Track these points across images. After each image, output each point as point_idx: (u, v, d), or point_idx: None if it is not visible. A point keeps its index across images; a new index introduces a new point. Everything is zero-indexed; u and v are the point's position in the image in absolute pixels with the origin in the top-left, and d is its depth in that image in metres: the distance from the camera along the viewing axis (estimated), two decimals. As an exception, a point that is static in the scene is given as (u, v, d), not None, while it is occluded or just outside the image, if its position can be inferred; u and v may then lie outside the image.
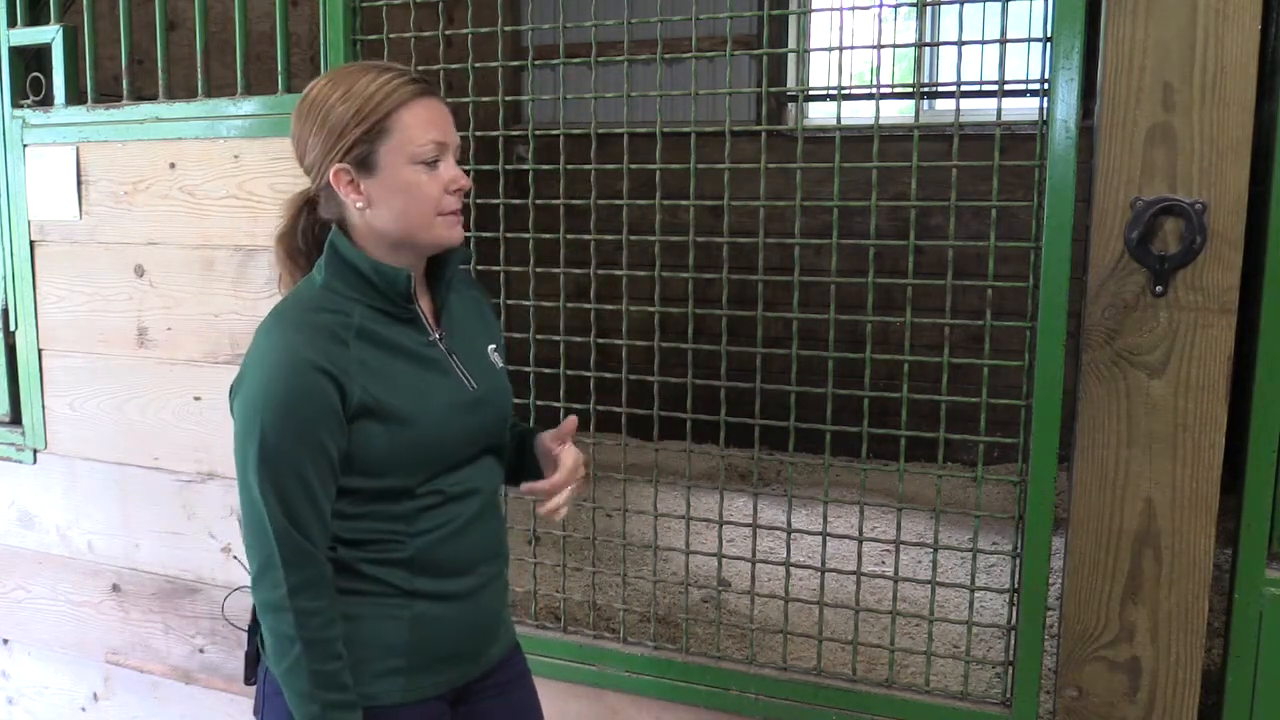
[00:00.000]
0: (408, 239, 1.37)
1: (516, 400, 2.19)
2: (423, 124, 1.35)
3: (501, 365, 1.53)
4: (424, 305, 1.44)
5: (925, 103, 4.72)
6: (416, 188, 1.35)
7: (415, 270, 1.41)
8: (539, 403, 2.17)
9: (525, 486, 1.51)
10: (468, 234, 2.22)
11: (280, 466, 1.29)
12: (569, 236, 2.16)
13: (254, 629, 1.43)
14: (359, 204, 1.37)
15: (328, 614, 1.32)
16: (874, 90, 1.89)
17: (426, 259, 1.44)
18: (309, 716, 1.32)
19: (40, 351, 2.55)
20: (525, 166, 2.16)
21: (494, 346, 1.53)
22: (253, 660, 1.46)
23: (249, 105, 2.25)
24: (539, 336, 2.18)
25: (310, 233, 1.45)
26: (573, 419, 1.54)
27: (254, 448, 1.29)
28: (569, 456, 1.51)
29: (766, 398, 1.99)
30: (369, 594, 1.38)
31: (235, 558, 2.37)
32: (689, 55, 1.98)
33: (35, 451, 2.60)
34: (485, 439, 1.46)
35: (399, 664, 1.39)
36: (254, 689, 1.47)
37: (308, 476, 1.29)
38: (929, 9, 4.06)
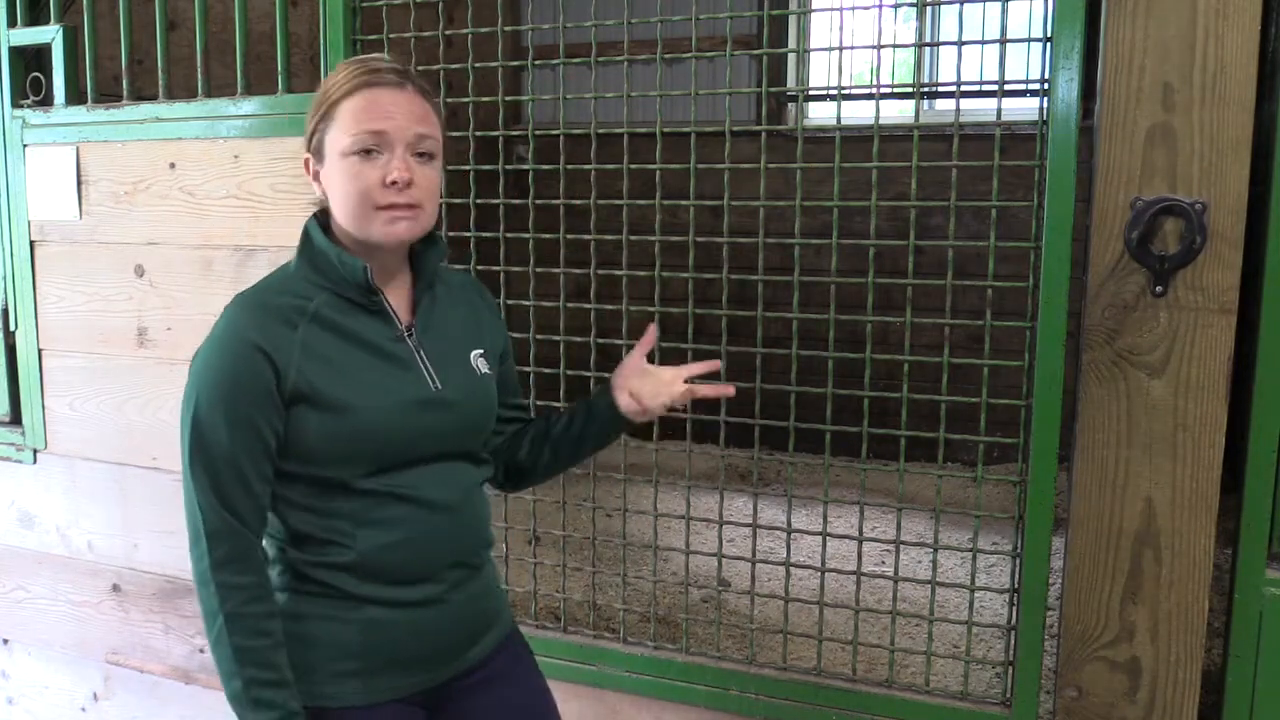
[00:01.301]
0: (358, 233, 1.36)
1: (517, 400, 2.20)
2: (359, 113, 1.33)
3: (486, 372, 1.49)
4: (401, 298, 1.43)
5: (925, 103, 4.72)
6: (348, 178, 1.33)
7: (390, 263, 1.40)
8: (539, 403, 2.17)
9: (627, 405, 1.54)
10: (467, 234, 2.23)
11: (209, 441, 1.30)
12: (569, 236, 2.16)
13: None
14: (320, 192, 1.40)
15: (254, 590, 1.31)
16: (874, 90, 1.89)
17: (410, 254, 1.44)
18: (232, 692, 1.31)
19: (40, 351, 2.55)
20: (525, 166, 2.16)
21: (481, 352, 1.49)
22: None
23: (249, 105, 2.25)
24: (539, 336, 2.18)
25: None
26: (653, 329, 1.58)
27: (189, 421, 1.31)
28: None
29: (766, 398, 1.99)
30: (317, 595, 1.37)
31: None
32: (689, 55, 1.97)
33: (35, 451, 2.60)
34: (444, 442, 1.42)
35: (354, 666, 1.38)
36: None
37: (236, 453, 1.30)
38: (929, 9, 4.06)
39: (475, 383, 1.46)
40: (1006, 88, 1.79)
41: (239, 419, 1.29)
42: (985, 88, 3.95)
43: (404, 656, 1.41)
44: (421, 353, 1.41)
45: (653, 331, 1.59)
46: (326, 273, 1.37)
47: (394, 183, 1.32)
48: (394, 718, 1.41)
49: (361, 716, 1.38)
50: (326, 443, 1.32)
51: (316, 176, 1.39)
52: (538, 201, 2.16)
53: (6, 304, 2.57)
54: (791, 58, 4.55)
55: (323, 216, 1.42)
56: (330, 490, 1.35)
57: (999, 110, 1.80)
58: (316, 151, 1.38)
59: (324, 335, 1.34)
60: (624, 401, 1.54)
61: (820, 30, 4.77)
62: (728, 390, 1.60)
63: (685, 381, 1.56)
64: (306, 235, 1.40)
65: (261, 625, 1.31)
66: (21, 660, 2.74)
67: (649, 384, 1.55)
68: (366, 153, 1.33)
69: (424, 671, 1.43)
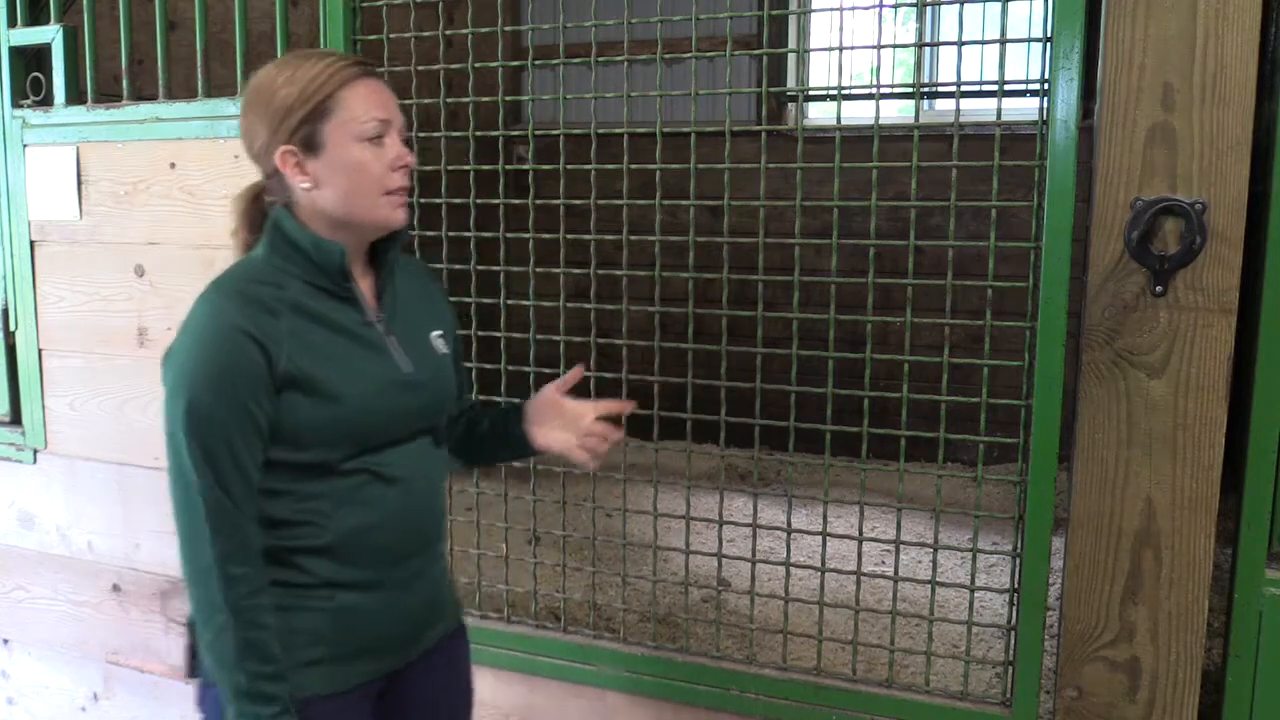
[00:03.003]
0: (352, 219, 1.39)
1: (518, 400, 2.20)
2: (366, 101, 1.37)
3: (446, 352, 1.54)
4: (364, 286, 1.45)
5: (925, 103, 4.72)
6: (361, 165, 1.36)
7: (356, 251, 1.43)
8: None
9: (541, 442, 1.58)
10: (467, 234, 2.23)
11: (208, 431, 1.30)
12: (569, 236, 2.16)
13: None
14: (305, 185, 1.38)
15: (255, 581, 1.32)
16: (874, 90, 1.89)
17: (370, 242, 1.45)
18: (234, 686, 1.30)
19: (40, 351, 2.55)
20: (525, 166, 2.16)
21: (440, 333, 1.53)
22: (194, 651, 1.43)
23: (249, 105, 2.24)
24: (539, 336, 2.18)
25: (260, 222, 1.45)
26: (579, 369, 1.61)
27: (181, 413, 1.31)
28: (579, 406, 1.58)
29: (766, 398, 1.99)
30: (290, 584, 1.37)
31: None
32: (689, 55, 1.97)
33: (35, 451, 2.60)
34: (419, 421, 1.46)
35: (321, 654, 1.38)
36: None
37: (234, 441, 1.30)
38: (929, 9, 4.06)
39: (439, 362, 1.51)
40: (1006, 88, 1.79)
41: (236, 406, 1.30)
42: (985, 88, 3.96)
43: (370, 643, 1.42)
44: (392, 337, 1.44)
45: (577, 371, 1.61)
46: (297, 261, 1.38)
47: (404, 166, 1.39)
48: (356, 704, 1.42)
49: (325, 705, 1.38)
50: (318, 428, 1.34)
51: (302, 170, 1.38)
52: (538, 201, 2.16)
53: (6, 304, 2.57)
54: (791, 58, 4.54)
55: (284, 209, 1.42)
56: (311, 474, 1.36)
57: (999, 110, 1.80)
58: (307, 144, 1.37)
59: (305, 322, 1.35)
60: (542, 440, 1.60)
61: (820, 30, 4.77)
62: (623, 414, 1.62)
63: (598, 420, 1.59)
64: (276, 225, 1.40)
65: (264, 618, 1.32)
66: (21, 660, 2.74)
67: (562, 424, 1.59)
68: (375, 139, 1.37)
69: (392, 654, 1.46)
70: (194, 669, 1.43)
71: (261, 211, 1.45)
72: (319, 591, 1.38)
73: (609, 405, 1.60)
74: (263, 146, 1.39)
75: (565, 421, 1.59)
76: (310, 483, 1.37)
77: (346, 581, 1.39)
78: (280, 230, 1.40)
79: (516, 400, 1.67)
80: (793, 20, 4.63)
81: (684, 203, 2.06)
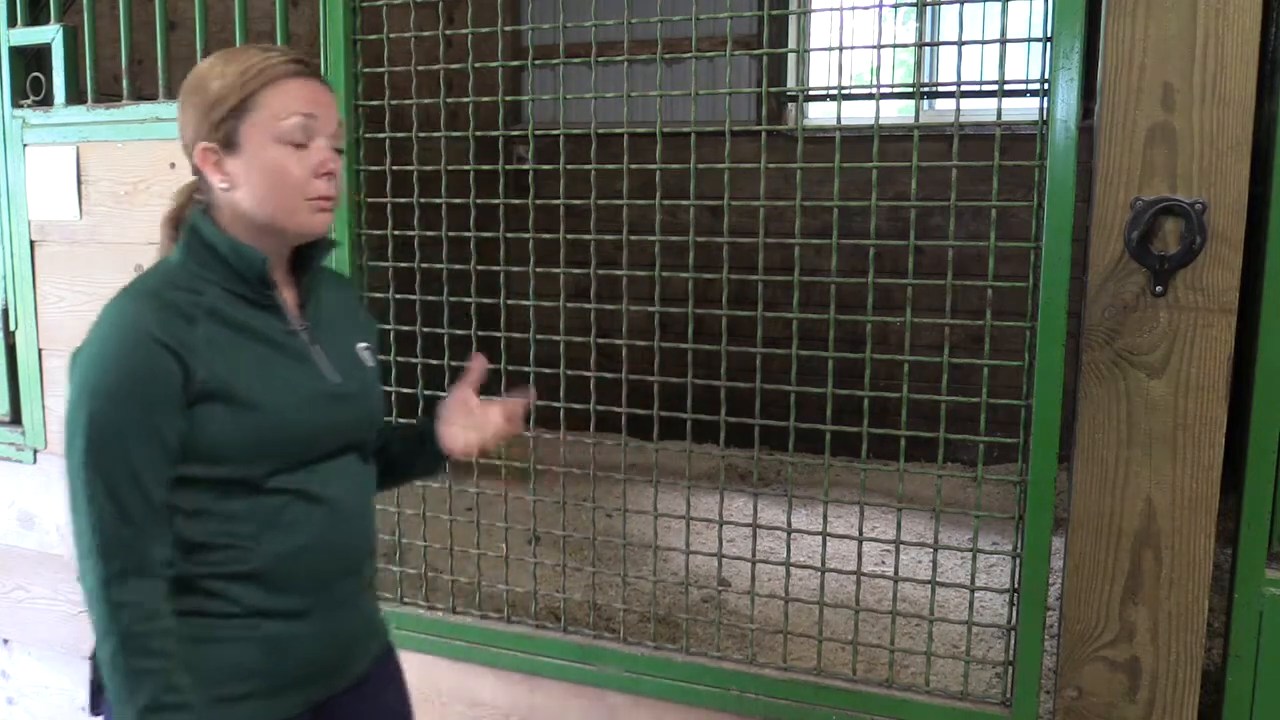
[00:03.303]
0: (272, 224, 1.31)
1: (519, 400, 2.20)
2: (290, 100, 1.29)
3: (373, 364, 1.48)
4: (287, 295, 1.38)
5: (925, 103, 4.72)
6: (279, 167, 1.29)
7: (278, 258, 1.36)
8: (539, 403, 2.17)
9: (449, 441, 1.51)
10: (467, 234, 2.23)
11: (107, 447, 1.21)
12: (569, 236, 2.16)
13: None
14: (223, 185, 1.31)
15: (149, 607, 1.22)
16: (874, 90, 1.89)
17: (293, 248, 1.39)
18: (130, 717, 1.22)
19: (40, 351, 2.55)
20: (525, 166, 2.16)
21: (365, 345, 1.48)
22: (97, 685, 1.32)
23: (249, 105, 2.24)
24: (539, 336, 2.18)
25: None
26: (479, 359, 1.55)
27: (82, 425, 1.21)
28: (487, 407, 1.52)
29: (766, 398, 1.99)
30: (216, 614, 1.29)
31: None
32: (689, 55, 1.97)
33: (35, 451, 2.60)
34: (348, 436, 1.39)
35: (248, 688, 1.31)
36: None
37: (136, 459, 1.21)
38: (929, 9, 4.06)
39: (367, 374, 1.45)
40: (1006, 88, 1.79)
41: (140, 420, 1.21)
42: (985, 88, 3.95)
43: (304, 671, 1.35)
44: (317, 346, 1.38)
45: (479, 362, 1.55)
46: (214, 267, 1.31)
47: (328, 173, 1.31)
48: None
49: None
50: (237, 441, 1.26)
51: (220, 168, 1.31)
52: (538, 201, 2.16)
53: (6, 304, 2.57)
54: (791, 58, 4.54)
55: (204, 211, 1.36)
56: (232, 492, 1.28)
57: (999, 110, 1.80)
58: (226, 141, 1.30)
59: (224, 331, 1.28)
60: (447, 443, 1.53)
61: (820, 30, 4.77)
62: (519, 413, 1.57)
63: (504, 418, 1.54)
64: (193, 229, 1.33)
65: (158, 645, 1.22)
66: (22, 660, 2.74)
67: (468, 425, 1.53)
68: (299, 142, 1.29)
69: (318, 684, 1.39)
70: (96, 704, 1.34)
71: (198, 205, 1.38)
72: (244, 621, 1.30)
73: (513, 404, 1.55)
74: (189, 141, 1.33)
75: (474, 421, 1.53)
76: (232, 502, 1.29)
77: (274, 610, 1.31)
78: (197, 234, 1.33)
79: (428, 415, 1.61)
80: (793, 20, 4.63)
81: (684, 203, 2.06)
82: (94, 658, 1.27)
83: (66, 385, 1.27)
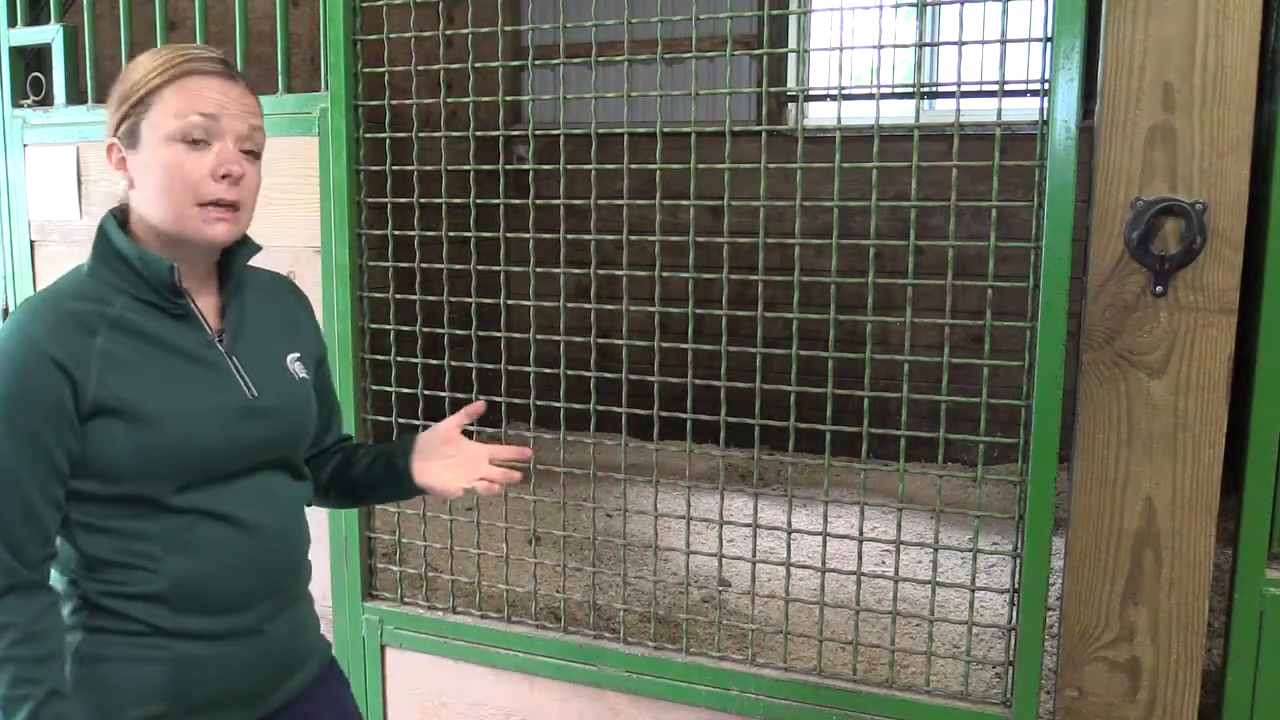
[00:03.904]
0: (168, 229, 1.25)
1: (519, 400, 2.21)
2: (193, 99, 1.23)
3: (305, 377, 1.40)
4: (208, 303, 1.33)
5: (925, 103, 4.73)
6: (170, 166, 1.22)
7: (198, 264, 1.30)
8: (539, 403, 2.17)
9: (424, 482, 1.46)
10: (467, 234, 2.23)
11: None
12: (569, 236, 2.16)
13: None
14: (124, 182, 1.28)
15: (25, 629, 1.15)
16: (874, 90, 1.89)
17: (218, 254, 1.32)
18: None
19: (40, 351, 2.55)
20: (525, 166, 2.16)
21: (297, 356, 1.40)
22: None
23: (249, 105, 2.24)
24: (539, 336, 2.18)
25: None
26: (480, 405, 1.51)
27: None
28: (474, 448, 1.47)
29: (766, 398, 1.99)
30: (118, 632, 1.23)
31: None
32: (689, 55, 1.98)
33: (35, 451, 2.60)
34: (266, 453, 1.32)
35: (158, 710, 1.24)
36: None
37: (20, 475, 1.16)
38: (929, 9, 4.05)
39: (293, 388, 1.37)
40: (1006, 88, 1.79)
41: (25, 437, 1.16)
42: (985, 88, 3.95)
43: (218, 696, 1.29)
44: (234, 359, 1.31)
45: (479, 406, 1.51)
46: (125, 275, 1.25)
47: (225, 176, 1.24)
48: None
49: None
50: (136, 457, 1.20)
51: (123, 165, 1.27)
52: (538, 201, 2.16)
53: (6, 304, 2.57)
54: (791, 58, 4.55)
55: (120, 214, 1.31)
56: (136, 510, 1.23)
57: (999, 110, 1.80)
58: (128, 137, 1.26)
59: (128, 342, 1.22)
60: (423, 476, 1.47)
61: (820, 30, 4.77)
62: (515, 470, 1.50)
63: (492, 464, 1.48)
64: (103, 233, 1.27)
65: (28, 672, 1.15)
66: None
67: (453, 463, 1.47)
68: (194, 141, 1.23)
69: (238, 710, 1.32)
70: None
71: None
72: (150, 640, 1.24)
73: (510, 451, 1.49)
74: (107, 135, 1.30)
75: (460, 460, 1.47)
76: (134, 521, 1.23)
77: (184, 631, 1.25)
78: (106, 239, 1.27)
79: (405, 435, 1.56)
80: (793, 20, 4.64)
81: (684, 203, 2.06)
82: None
83: None
